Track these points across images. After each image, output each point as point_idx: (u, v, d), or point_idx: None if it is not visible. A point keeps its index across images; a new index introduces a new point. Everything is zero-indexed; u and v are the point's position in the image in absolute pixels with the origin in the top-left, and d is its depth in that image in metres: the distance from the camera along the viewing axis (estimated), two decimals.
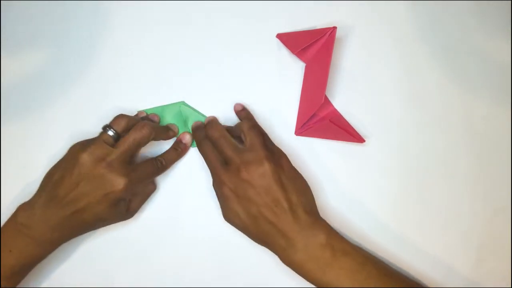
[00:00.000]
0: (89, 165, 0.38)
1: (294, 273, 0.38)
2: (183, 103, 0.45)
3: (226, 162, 0.40)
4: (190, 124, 0.45)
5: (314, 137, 0.46)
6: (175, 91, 0.46)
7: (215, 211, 0.45)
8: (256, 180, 0.38)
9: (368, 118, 0.46)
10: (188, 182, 0.46)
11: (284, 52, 0.47)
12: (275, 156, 0.40)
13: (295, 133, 0.46)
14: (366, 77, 0.47)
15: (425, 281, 0.44)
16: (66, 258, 0.44)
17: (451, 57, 0.47)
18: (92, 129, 0.42)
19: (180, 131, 0.45)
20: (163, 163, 0.43)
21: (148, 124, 0.41)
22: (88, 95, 0.45)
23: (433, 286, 0.44)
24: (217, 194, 0.41)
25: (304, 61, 0.46)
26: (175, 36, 0.47)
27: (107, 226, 0.42)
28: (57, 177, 0.39)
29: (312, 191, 0.41)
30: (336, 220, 0.45)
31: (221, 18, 0.47)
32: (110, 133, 0.40)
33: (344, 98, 0.46)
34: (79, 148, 0.39)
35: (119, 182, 0.38)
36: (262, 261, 0.44)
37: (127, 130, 0.41)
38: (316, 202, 0.41)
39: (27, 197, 0.40)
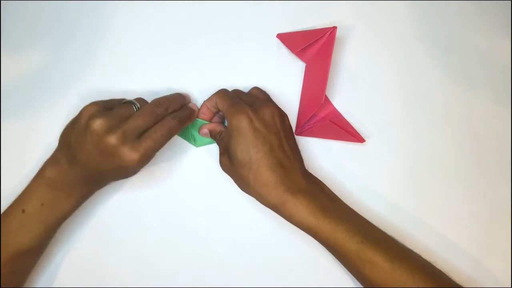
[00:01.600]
0: (100, 135, 0.36)
1: (294, 274, 0.38)
2: None
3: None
4: (191, 125, 0.45)
5: (314, 137, 0.46)
6: (176, 91, 0.46)
7: (216, 212, 0.45)
8: (270, 119, 0.39)
9: (368, 118, 0.46)
10: (188, 182, 0.46)
11: (284, 52, 0.47)
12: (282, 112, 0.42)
13: (295, 133, 0.46)
14: (366, 77, 0.47)
15: None
16: (66, 258, 0.44)
17: (451, 57, 0.47)
18: None
19: (183, 132, 0.45)
20: (176, 119, 0.41)
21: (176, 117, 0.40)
22: (88, 95, 0.45)
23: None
24: (233, 128, 0.39)
25: (304, 61, 0.46)
26: (175, 36, 0.47)
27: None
28: (73, 139, 0.38)
29: None
30: None
31: (221, 18, 0.47)
32: (134, 108, 0.39)
33: (344, 98, 0.46)
34: (92, 113, 0.38)
35: (132, 157, 0.37)
36: (263, 261, 0.44)
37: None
38: None
39: None
